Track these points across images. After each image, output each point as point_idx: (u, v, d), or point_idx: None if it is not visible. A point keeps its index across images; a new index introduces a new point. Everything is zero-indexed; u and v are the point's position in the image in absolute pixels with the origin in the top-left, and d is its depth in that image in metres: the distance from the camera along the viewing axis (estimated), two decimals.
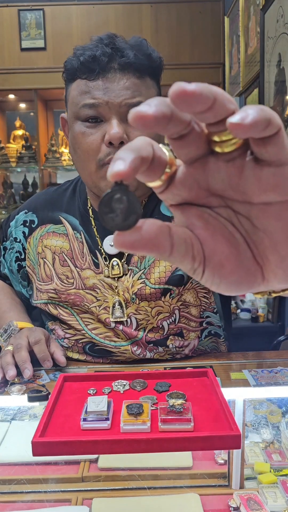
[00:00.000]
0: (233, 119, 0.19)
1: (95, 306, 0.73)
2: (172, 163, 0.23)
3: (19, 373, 0.64)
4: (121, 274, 0.72)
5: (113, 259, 0.73)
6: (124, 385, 0.52)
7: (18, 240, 0.80)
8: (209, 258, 0.24)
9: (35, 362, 0.66)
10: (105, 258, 0.74)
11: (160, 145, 0.23)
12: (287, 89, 1.42)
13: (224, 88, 2.45)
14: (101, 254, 0.74)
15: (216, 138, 0.22)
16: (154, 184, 0.23)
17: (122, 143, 0.65)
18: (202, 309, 0.75)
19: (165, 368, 0.66)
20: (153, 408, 0.46)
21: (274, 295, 0.27)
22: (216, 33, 2.42)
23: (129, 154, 0.21)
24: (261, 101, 1.66)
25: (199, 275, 0.24)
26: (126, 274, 0.73)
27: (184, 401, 0.45)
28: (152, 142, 0.22)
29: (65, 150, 2.65)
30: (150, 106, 0.20)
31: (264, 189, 0.22)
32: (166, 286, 0.72)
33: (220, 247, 0.24)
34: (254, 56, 1.81)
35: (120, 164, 0.20)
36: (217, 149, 0.22)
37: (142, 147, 0.21)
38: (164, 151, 0.23)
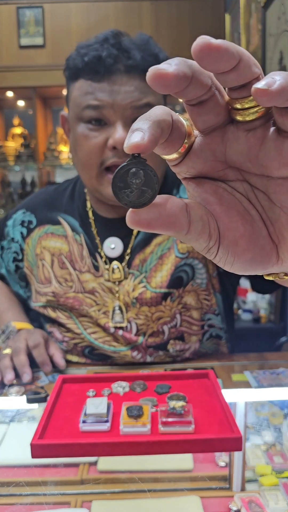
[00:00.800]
0: (259, 84, 0.18)
1: (95, 310, 0.72)
2: (191, 133, 0.22)
3: (17, 376, 0.63)
4: (122, 278, 0.71)
5: (114, 263, 0.71)
6: (124, 387, 0.51)
7: (15, 241, 0.79)
8: (223, 235, 0.22)
9: (34, 364, 0.65)
10: (105, 261, 0.72)
11: (178, 114, 0.22)
12: None
13: None
14: (101, 257, 0.72)
15: (237, 105, 0.20)
16: (171, 156, 0.22)
17: None
18: (203, 312, 0.74)
19: (165, 370, 0.66)
20: (153, 410, 0.45)
21: (286, 277, 0.26)
22: (217, 30, 2.41)
23: (148, 124, 0.19)
24: None
25: (213, 254, 0.23)
26: (126, 278, 0.71)
27: (184, 403, 0.44)
28: (171, 111, 0.21)
29: (64, 149, 2.64)
30: (171, 65, 0.19)
31: (284, 162, 0.20)
32: (167, 290, 0.71)
33: (235, 224, 0.23)
34: (256, 53, 1.80)
35: (138, 135, 0.19)
36: (238, 118, 0.21)
37: (161, 117, 0.20)
38: (183, 121, 0.21)
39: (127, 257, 0.72)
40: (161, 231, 0.21)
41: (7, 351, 0.67)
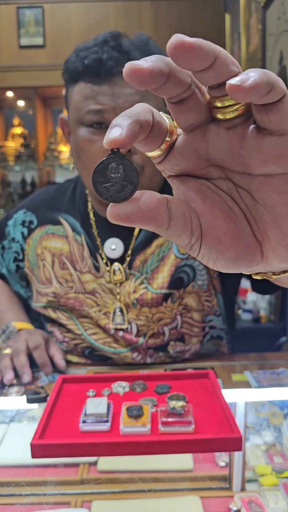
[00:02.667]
0: (233, 80, 0.18)
1: (95, 311, 0.71)
2: (173, 131, 0.22)
3: (17, 376, 0.63)
4: (123, 279, 0.71)
5: (115, 264, 0.71)
6: (124, 387, 0.51)
7: (16, 241, 0.79)
8: (206, 232, 0.23)
9: (34, 365, 0.65)
10: (106, 263, 0.72)
11: (161, 113, 0.22)
12: None
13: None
14: (102, 259, 0.72)
15: (218, 104, 0.21)
16: (153, 153, 0.22)
17: (129, 151, 0.63)
18: (205, 314, 0.73)
19: (165, 370, 0.66)
20: (153, 410, 0.45)
21: (274, 277, 0.26)
22: (217, 30, 2.41)
23: (127, 120, 0.20)
24: None
25: (196, 251, 0.23)
26: (128, 279, 0.71)
27: (184, 403, 0.44)
28: (152, 109, 0.21)
29: (64, 149, 2.64)
30: (147, 61, 0.19)
31: (265, 160, 0.21)
32: (168, 291, 0.71)
33: (218, 222, 0.23)
34: (256, 53, 1.80)
35: (117, 130, 0.19)
36: (219, 116, 0.21)
37: (141, 113, 0.20)
38: (165, 118, 0.22)
39: (128, 258, 0.72)
40: (141, 225, 0.21)
41: (7, 351, 0.67)
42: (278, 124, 0.20)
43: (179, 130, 0.23)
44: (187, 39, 0.18)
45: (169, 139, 0.22)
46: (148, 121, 0.20)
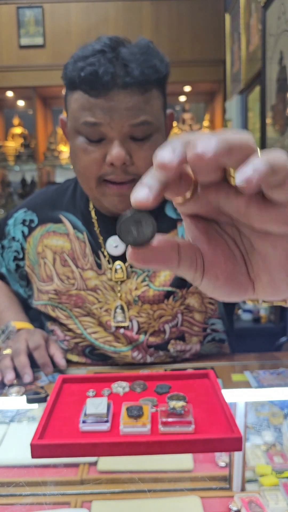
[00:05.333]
0: (240, 180, 0.20)
1: (97, 308, 0.72)
2: (196, 183, 0.24)
3: (18, 376, 0.63)
4: (125, 278, 0.71)
5: (117, 263, 0.71)
6: (124, 387, 0.51)
7: (16, 239, 0.79)
8: (207, 270, 0.26)
9: (34, 365, 0.65)
10: (108, 261, 0.72)
11: None
12: None
13: (225, 86, 2.44)
14: (104, 257, 0.72)
15: (231, 172, 0.23)
16: (176, 200, 0.25)
17: (124, 164, 0.63)
18: (207, 316, 0.74)
19: (165, 370, 0.66)
20: (153, 410, 0.45)
21: (264, 304, 0.30)
22: (217, 30, 2.41)
23: (156, 182, 0.22)
24: (263, 99, 1.64)
25: (197, 283, 0.27)
26: (129, 278, 0.71)
27: (185, 403, 0.44)
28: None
29: (64, 148, 2.64)
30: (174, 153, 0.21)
31: (265, 220, 0.23)
32: (170, 289, 0.71)
33: (218, 261, 0.26)
34: (256, 53, 1.79)
35: (144, 192, 0.22)
36: (231, 181, 0.23)
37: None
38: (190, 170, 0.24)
39: None
40: (154, 266, 0.25)
41: (7, 351, 0.67)
42: (282, 198, 0.22)
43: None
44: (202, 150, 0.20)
45: (193, 191, 0.24)
46: (176, 181, 0.23)
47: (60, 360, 0.67)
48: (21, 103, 2.79)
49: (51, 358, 0.67)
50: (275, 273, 0.25)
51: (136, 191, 0.22)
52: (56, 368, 0.67)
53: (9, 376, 0.62)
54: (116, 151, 0.62)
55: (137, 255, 0.24)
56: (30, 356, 0.66)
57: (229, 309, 0.78)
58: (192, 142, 0.21)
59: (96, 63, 0.61)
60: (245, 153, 0.21)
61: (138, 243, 0.24)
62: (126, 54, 0.62)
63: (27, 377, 0.63)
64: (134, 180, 0.65)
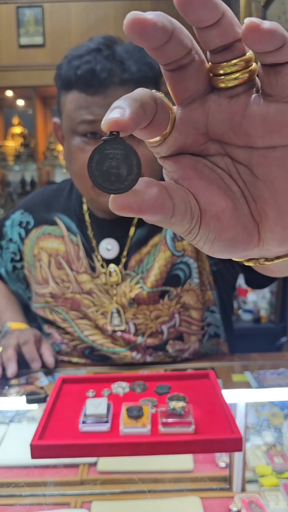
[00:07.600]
0: (251, 20, 0.17)
1: (93, 311, 0.71)
2: (172, 110, 0.21)
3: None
4: (120, 281, 0.71)
5: (111, 266, 0.71)
6: (124, 387, 0.51)
7: (13, 241, 0.79)
8: (204, 210, 0.21)
9: (27, 364, 0.66)
10: (101, 265, 0.72)
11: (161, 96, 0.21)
12: None
13: None
14: (98, 260, 0.72)
15: (220, 71, 0.20)
16: (154, 140, 0.21)
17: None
18: (203, 312, 0.74)
19: (165, 370, 0.66)
20: (153, 410, 0.45)
21: (266, 263, 0.25)
22: None
23: (129, 102, 0.18)
24: None
25: (194, 234, 0.22)
26: (124, 280, 0.71)
27: (185, 404, 0.44)
28: (155, 94, 0.20)
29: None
30: (150, 14, 0.18)
31: (269, 129, 0.20)
32: (163, 288, 0.70)
33: (216, 199, 0.21)
34: None
35: (118, 111, 0.17)
36: (220, 85, 0.20)
37: (144, 98, 0.19)
38: (168, 103, 0.20)
39: (123, 260, 0.71)
40: (147, 216, 0.19)
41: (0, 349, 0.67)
42: (285, 89, 0.19)
43: (175, 108, 0.21)
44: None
45: (171, 122, 0.21)
46: (152, 107, 0.19)
47: (49, 358, 0.67)
48: (20, 102, 2.79)
49: (41, 356, 0.67)
50: (283, 201, 0.21)
51: (107, 115, 0.18)
52: (46, 369, 0.68)
53: None
54: None
55: (122, 202, 0.18)
56: (23, 356, 0.67)
57: (225, 302, 0.77)
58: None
59: (93, 61, 0.61)
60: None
61: (116, 188, 0.17)
62: (122, 52, 0.62)
63: (10, 369, 0.63)
64: None
